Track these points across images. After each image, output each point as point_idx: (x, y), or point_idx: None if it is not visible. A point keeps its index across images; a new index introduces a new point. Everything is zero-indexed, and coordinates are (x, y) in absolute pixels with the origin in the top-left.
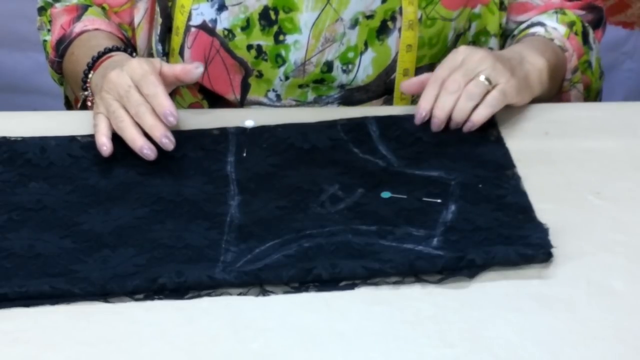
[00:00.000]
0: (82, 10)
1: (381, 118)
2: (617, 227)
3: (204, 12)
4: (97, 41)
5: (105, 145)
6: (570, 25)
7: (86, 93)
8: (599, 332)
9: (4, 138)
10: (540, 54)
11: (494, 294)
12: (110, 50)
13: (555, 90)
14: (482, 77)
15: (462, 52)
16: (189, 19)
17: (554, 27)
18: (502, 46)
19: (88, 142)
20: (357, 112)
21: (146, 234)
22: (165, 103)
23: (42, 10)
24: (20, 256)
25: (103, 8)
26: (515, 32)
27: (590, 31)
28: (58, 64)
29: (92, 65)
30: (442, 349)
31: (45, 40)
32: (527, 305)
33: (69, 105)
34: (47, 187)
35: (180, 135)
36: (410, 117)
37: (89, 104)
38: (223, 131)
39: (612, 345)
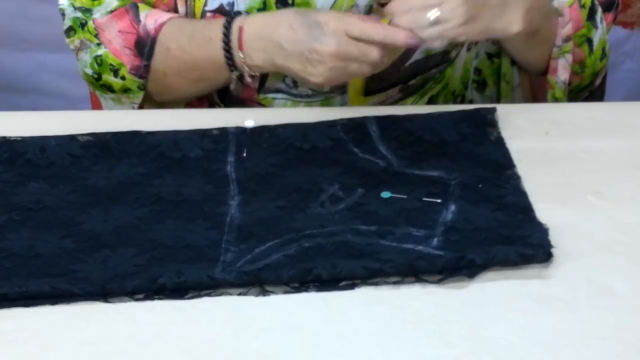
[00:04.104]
0: (133, 8)
1: (381, 118)
2: (617, 227)
3: None
4: (189, 26)
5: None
6: None
7: (236, 73)
8: (599, 332)
9: (4, 138)
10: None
11: (494, 294)
12: (227, 25)
13: (545, 55)
14: (432, 15)
15: None
16: (205, 4)
17: None
18: None
19: (88, 142)
20: (357, 112)
21: (146, 234)
22: (401, 33)
23: (71, 30)
24: (20, 256)
25: (148, 3)
26: None
27: (599, 10)
28: (146, 68)
29: (228, 45)
30: (442, 349)
31: (98, 56)
32: (527, 305)
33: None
34: (47, 187)
35: (180, 135)
36: (410, 117)
37: (249, 80)
38: (223, 131)
39: (612, 345)
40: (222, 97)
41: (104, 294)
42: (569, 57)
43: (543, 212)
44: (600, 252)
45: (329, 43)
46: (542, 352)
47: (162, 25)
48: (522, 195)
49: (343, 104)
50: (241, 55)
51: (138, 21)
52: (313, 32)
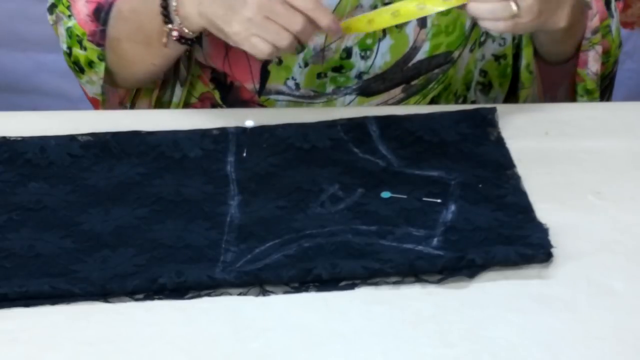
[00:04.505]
0: None
1: (381, 118)
2: (617, 227)
3: None
4: None
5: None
6: None
7: (170, 25)
8: (599, 332)
9: (4, 138)
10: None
11: (494, 294)
12: None
13: (573, 46)
14: (514, 7)
15: None
16: None
17: None
18: None
19: (88, 142)
20: (357, 112)
21: (146, 234)
22: (328, 15)
23: (52, 7)
24: (20, 256)
25: None
26: None
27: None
28: (102, 33)
29: None
30: (442, 349)
31: (68, 27)
32: (527, 305)
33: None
34: (47, 187)
35: (180, 135)
36: (410, 117)
37: (175, 33)
38: (223, 131)
39: (612, 345)
40: (224, 99)
41: (104, 294)
42: (599, 48)
43: (543, 212)
44: (600, 252)
45: None
46: (542, 352)
47: None
48: (522, 195)
49: (345, 105)
50: (175, 3)
51: None
52: None
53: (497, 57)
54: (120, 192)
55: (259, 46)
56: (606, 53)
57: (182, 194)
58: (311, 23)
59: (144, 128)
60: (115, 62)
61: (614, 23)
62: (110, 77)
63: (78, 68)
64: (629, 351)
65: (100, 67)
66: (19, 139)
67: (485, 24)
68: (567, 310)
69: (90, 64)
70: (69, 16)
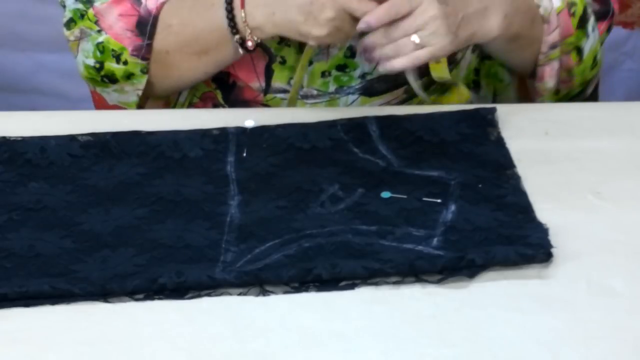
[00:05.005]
0: None
1: (381, 118)
2: (617, 227)
3: None
4: (190, 0)
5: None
6: (570, 4)
7: (237, 36)
8: (599, 332)
9: (4, 138)
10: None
11: (494, 294)
12: None
13: (526, 58)
14: (416, 39)
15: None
16: None
17: None
18: None
19: (88, 142)
20: (357, 112)
21: (146, 234)
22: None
23: (71, 22)
24: (20, 256)
25: None
26: None
27: (592, 19)
28: (147, 47)
29: (230, 6)
30: (442, 349)
31: (99, 43)
32: (527, 305)
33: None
34: (47, 187)
35: (180, 135)
36: (410, 117)
37: (250, 43)
38: (223, 131)
39: (612, 345)
40: (227, 98)
41: (104, 294)
42: (555, 64)
43: (543, 212)
44: (600, 252)
45: None
46: (542, 352)
47: (163, 4)
48: (522, 195)
49: (348, 104)
50: (243, 14)
51: (139, 4)
52: None
53: (482, 57)
54: (120, 192)
55: (338, 39)
56: (568, 71)
57: (182, 194)
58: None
59: (144, 128)
60: (159, 74)
61: (589, 43)
62: (146, 88)
63: (108, 79)
64: (629, 351)
65: (142, 80)
66: (19, 139)
67: (393, 64)
68: (567, 310)
69: (129, 76)
70: (99, 31)
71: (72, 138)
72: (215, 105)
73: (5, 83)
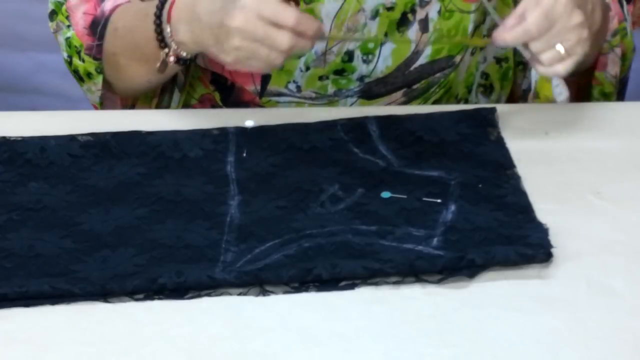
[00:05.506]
0: None
1: (381, 118)
2: (617, 227)
3: None
4: (138, 6)
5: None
6: None
7: (166, 50)
8: (599, 332)
9: (4, 138)
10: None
11: (494, 294)
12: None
13: (597, 50)
14: (561, 49)
15: (559, 10)
16: None
17: None
18: None
19: (88, 142)
20: (357, 112)
21: (146, 234)
22: (314, 24)
23: (53, 14)
24: (20, 256)
25: None
26: None
27: (625, 2)
28: (98, 48)
29: (159, 19)
30: (442, 349)
31: (67, 38)
32: (527, 305)
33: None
34: (47, 187)
35: (180, 135)
36: (410, 117)
37: (171, 59)
38: (223, 131)
39: (612, 345)
40: (225, 100)
41: (104, 294)
42: (618, 50)
43: (543, 212)
44: (600, 252)
45: (235, 18)
46: (542, 352)
47: (117, 6)
48: (522, 195)
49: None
50: (169, 29)
51: (100, 3)
52: (227, 5)
53: (498, 60)
54: (120, 192)
55: (255, 67)
56: (624, 55)
57: (182, 194)
58: (300, 35)
59: (144, 128)
60: (112, 75)
61: (628, 24)
62: (110, 86)
63: (78, 77)
64: (629, 351)
65: (98, 79)
66: (19, 139)
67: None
68: (567, 310)
69: (89, 75)
70: (68, 26)
71: (72, 138)
72: (214, 106)
73: (5, 83)
